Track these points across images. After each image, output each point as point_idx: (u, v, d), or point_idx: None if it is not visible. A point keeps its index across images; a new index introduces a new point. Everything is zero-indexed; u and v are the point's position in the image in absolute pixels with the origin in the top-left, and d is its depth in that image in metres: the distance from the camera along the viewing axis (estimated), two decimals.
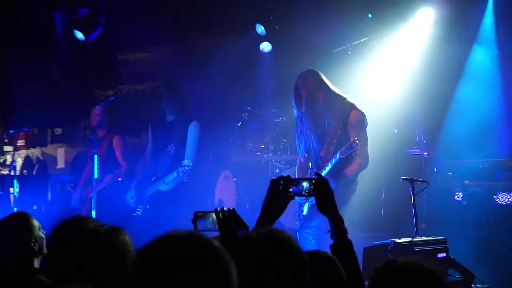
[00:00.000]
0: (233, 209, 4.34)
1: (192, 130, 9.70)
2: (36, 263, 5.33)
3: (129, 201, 9.96)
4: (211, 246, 2.47)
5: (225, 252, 2.49)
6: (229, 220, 4.26)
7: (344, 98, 8.36)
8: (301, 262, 3.06)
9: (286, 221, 9.59)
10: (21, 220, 5.38)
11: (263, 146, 11.63)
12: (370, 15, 10.79)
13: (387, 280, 3.25)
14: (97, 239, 3.85)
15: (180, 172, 9.24)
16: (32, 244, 5.27)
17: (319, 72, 8.50)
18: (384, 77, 10.84)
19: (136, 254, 2.53)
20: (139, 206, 9.89)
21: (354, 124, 8.16)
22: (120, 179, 10.55)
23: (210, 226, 4.36)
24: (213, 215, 4.34)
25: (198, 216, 4.41)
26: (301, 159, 8.76)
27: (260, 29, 11.24)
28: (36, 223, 5.39)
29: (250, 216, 7.63)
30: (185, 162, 9.30)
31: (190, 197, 9.68)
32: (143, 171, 10.07)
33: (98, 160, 10.05)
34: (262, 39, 11.40)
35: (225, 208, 4.33)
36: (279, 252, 3.02)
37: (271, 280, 2.96)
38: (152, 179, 9.80)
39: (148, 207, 9.86)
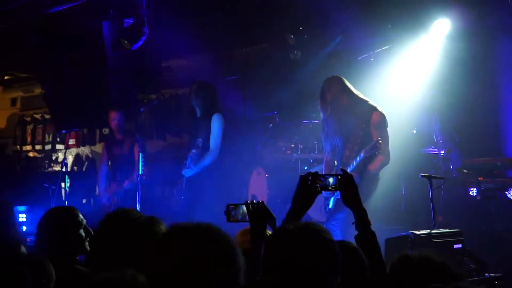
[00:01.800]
0: (262, 201, 4.40)
1: (215, 122, 9.68)
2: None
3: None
4: (218, 234, 2.57)
5: (232, 241, 2.60)
6: (258, 211, 4.31)
7: (366, 101, 8.40)
8: (336, 251, 3.11)
9: (313, 214, 9.60)
10: (68, 213, 5.32)
11: (293, 146, 11.66)
12: (390, 26, 10.76)
13: (402, 272, 3.28)
14: (138, 230, 3.89)
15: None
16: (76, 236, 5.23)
17: (343, 78, 8.55)
18: (404, 82, 10.83)
19: (156, 240, 2.64)
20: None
21: (376, 125, 8.19)
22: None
23: (240, 217, 4.42)
24: (244, 207, 4.41)
25: (230, 208, 4.48)
26: (327, 158, 8.79)
27: (291, 38, 11.24)
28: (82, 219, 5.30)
29: (281, 209, 7.67)
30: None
31: (226, 192, 9.71)
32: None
33: (142, 158, 10.09)
34: (292, 47, 11.40)
35: (254, 201, 4.38)
36: (315, 242, 3.07)
37: (308, 267, 3.01)
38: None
39: (182, 197, 9.87)
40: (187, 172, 9.63)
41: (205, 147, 9.60)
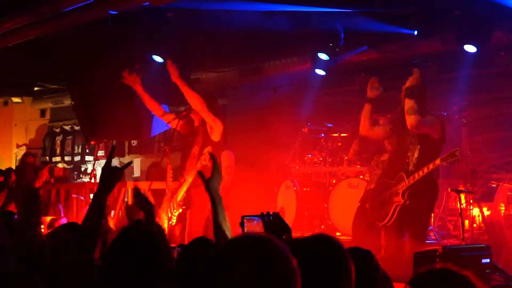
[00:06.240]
0: (277, 213, 4.39)
1: None
2: None
3: None
4: (277, 247, 2.61)
5: (289, 254, 2.62)
6: (274, 223, 4.31)
7: None
8: (345, 258, 3.30)
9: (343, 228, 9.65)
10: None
11: (321, 159, 11.70)
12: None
13: (426, 285, 3.35)
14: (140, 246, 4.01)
15: None
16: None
17: None
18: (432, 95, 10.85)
19: (211, 254, 2.65)
20: None
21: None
22: None
23: (256, 229, 4.45)
24: (259, 218, 4.42)
25: (246, 220, 4.54)
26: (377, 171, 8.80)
27: (324, 56, 11.25)
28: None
29: (309, 222, 7.72)
30: None
31: (255, 204, 9.77)
32: None
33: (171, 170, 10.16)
34: (320, 62, 11.45)
35: (269, 213, 4.43)
36: (326, 251, 3.28)
37: (319, 274, 3.20)
38: None
39: None
40: None
41: None
